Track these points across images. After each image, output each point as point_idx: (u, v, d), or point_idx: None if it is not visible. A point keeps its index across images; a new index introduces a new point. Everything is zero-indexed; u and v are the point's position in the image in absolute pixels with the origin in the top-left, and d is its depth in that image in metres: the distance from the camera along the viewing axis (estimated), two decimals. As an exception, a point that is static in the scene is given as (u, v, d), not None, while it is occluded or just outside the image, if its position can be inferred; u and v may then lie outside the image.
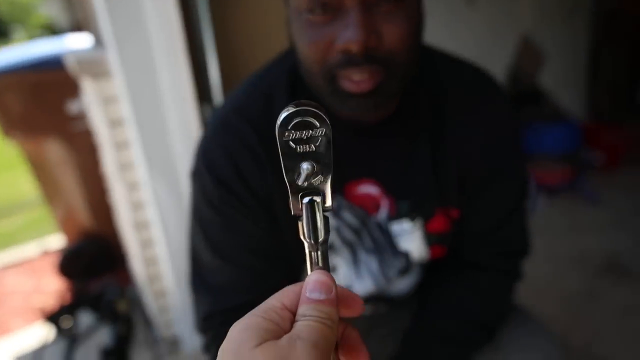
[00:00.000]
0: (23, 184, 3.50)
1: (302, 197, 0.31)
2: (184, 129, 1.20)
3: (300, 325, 0.27)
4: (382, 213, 0.67)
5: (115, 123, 1.27)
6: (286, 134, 0.29)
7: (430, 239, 0.69)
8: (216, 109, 0.92)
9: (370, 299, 0.79)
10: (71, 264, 1.73)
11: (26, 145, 1.69)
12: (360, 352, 0.33)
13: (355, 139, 0.65)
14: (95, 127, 1.41)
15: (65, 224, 1.84)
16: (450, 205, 0.68)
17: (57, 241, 2.42)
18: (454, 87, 0.66)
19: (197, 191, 0.65)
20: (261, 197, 0.62)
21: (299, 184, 0.30)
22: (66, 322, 1.48)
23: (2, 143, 1.98)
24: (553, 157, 2.38)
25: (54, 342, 1.51)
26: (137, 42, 1.09)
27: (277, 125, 0.29)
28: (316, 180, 0.31)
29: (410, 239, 0.68)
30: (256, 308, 0.29)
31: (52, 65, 1.50)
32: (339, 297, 0.31)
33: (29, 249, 2.53)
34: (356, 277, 0.71)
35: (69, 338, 1.47)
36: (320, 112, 0.29)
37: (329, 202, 0.31)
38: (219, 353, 0.27)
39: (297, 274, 0.67)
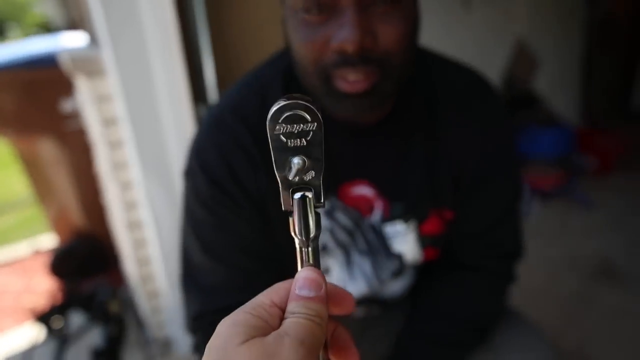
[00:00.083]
0: (15, 182, 3.47)
1: (294, 192, 0.31)
2: (178, 129, 1.19)
3: (288, 322, 0.27)
4: (376, 215, 0.67)
5: (109, 122, 1.27)
6: (277, 127, 0.29)
7: (424, 241, 0.69)
8: (211, 107, 0.92)
9: (363, 301, 0.79)
10: (63, 263, 1.71)
11: (19, 143, 1.68)
12: (350, 352, 0.33)
13: (350, 140, 0.64)
14: (89, 126, 1.40)
15: (58, 224, 1.83)
16: (444, 207, 0.68)
17: (49, 241, 2.40)
18: (448, 89, 0.66)
19: (189, 190, 0.64)
20: (254, 197, 0.62)
21: (290, 178, 0.30)
22: (57, 322, 1.47)
23: (-6, 141, 1.97)
24: (547, 162, 2.40)
25: (44, 342, 1.49)
26: (131, 41, 1.09)
27: (268, 118, 0.29)
28: (307, 176, 0.30)
29: (404, 240, 0.68)
30: (245, 304, 0.29)
31: (46, 63, 1.49)
32: (330, 294, 0.31)
33: (21, 249, 2.51)
34: (349, 279, 0.71)
35: (60, 338, 1.45)
36: (311, 106, 0.28)
37: (320, 198, 0.31)
38: (206, 349, 0.26)
39: (289, 276, 0.67)
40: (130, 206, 1.36)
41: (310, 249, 0.31)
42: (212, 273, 0.63)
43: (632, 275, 1.77)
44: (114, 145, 1.29)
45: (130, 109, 1.15)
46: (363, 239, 0.68)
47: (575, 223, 2.17)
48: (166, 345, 1.54)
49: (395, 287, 0.77)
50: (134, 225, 1.38)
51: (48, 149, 1.61)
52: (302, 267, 0.32)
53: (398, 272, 0.72)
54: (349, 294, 0.33)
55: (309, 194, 0.31)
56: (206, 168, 0.62)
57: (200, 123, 0.68)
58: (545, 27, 2.68)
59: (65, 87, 1.44)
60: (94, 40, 1.38)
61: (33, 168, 1.71)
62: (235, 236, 0.62)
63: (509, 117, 0.71)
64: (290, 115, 0.29)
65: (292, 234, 0.31)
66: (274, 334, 0.26)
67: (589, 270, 1.82)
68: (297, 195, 0.31)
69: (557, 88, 2.85)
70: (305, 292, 0.29)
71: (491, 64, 2.54)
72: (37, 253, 2.41)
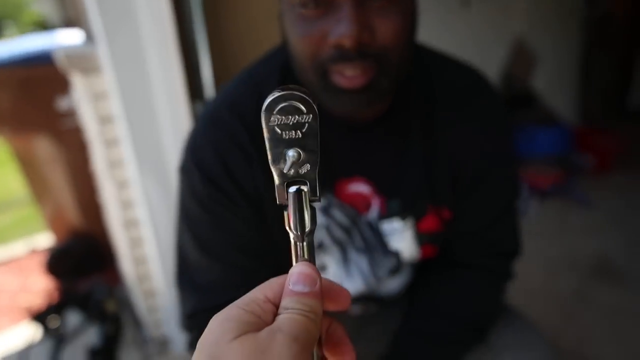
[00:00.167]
0: (11, 181, 3.45)
1: (289, 185, 0.30)
2: (175, 127, 1.18)
3: (282, 318, 0.26)
4: (373, 212, 0.66)
5: (105, 120, 1.26)
6: (272, 118, 0.28)
7: (421, 238, 0.69)
8: (207, 103, 0.91)
9: (360, 299, 0.78)
10: (59, 262, 1.71)
11: (15, 142, 1.67)
12: (345, 348, 0.32)
13: (347, 137, 0.64)
14: (85, 124, 1.39)
15: (54, 222, 1.82)
16: (442, 205, 0.67)
17: (45, 240, 2.39)
18: (447, 86, 0.65)
19: (185, 188, 0.64)
20: (250, 195, 0.61)
21: (285, 171, 0.29)
22: (53, 321, 1.46)
23: (-10, 140, 1.96)
24: (545, 160, 2.40)
25: (41, 342, 1.48)
26: (127, 37, 1.08)
27: (262, 110, 0.28)
28: (303, 169, 0.30)
29: (401, 238, 0.68)
30: (238, 300, 0.28)
31: (42, 61, 1.48)
32: (325, 290, 0.30)
33: (17, 248, 2.50)
34: (346, 277, 0.70)
35: (56, 338, 1.44)
36: (307, 97, 0.28)
37: (316, 192, 0.31)
38: (197, 345, 0.26)
39: (286, 273, 0.66)
40: (126, 205, 1.35)
41: (305, 243, 0.31)
42: (208, 271, 0.62)
43: (631, 274, 1.77)
44: (110, 143, 1.28)
45: (127, 107, 1.14)
46: (360, 236, 0.67)
47: (574, 222, 2.17)
48: (163, 344, 1.54)
49: (393, 284, 0.76)
50: (130, 224, 1.38)
51: (44, 147, 1.60)
52: (296, 262, 0.31)
53: (395, 270, 0.71)
54: (345, 290, 0.33)
55: (305, 188, 0.30)
56: (202, 165, 0.61)
57: (196, 119, 0.67)
58: (543, 26, 2.69)
59: (61, 85, 1.43)
60: (90, 38, 1.37)
61: (29, 166, 1.70)
62: (231, 234, 0.62)
63: (508, 115, 0.71)
64: (285, 106, 0.28)
65: (287, 228, 0.31)
66: (266, 329, 0.26)
67: (588, 269, 1.82)
68: (292, 188, 0.30)
69: (555, 87, 2.86)
70: (299, 288, 0.28)
71: (489, 63, 2.54)
72: (34, 252, 2.40)
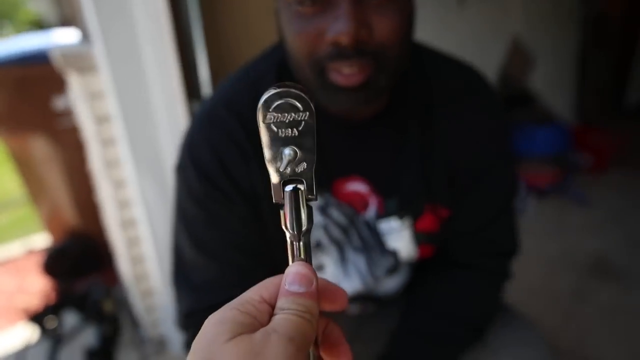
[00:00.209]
0: (7, 181, 3.44)
1: (285, 184, 0.30)
2: (172, 126, 1.18)
3: (277, 319, 0.26)
4: (371, 211, 0.66)
5: (101, 119, 1.25)
6: (267, 116, 0.28)
7: (419, 238, 0.68)
8: (203, 101, 0.91)
9: (358, 299, 0.78)
10: (56, 263, 1.70)
11: (11, 141, 1.66)
12: (341, 349, 0.32)
13: (344, 136, 0.64)
14: (81, 123, 1.38)
15: (51, 223, 1.81)
16: (439, 204, 0.67)
17: (42, 240, 2.38)
18: (444, 84, 0.65)
19: (181, 186, 0.63)
20: (247, 193, 0.61)
21: (281, 170, 0.29)
22: (50, 322, 1.46)
23: (-14, 140, 1.94)
24: (542, 159, 2.40)
25: (38, 342, 1.48)
26: (123, 36, 1.07)
27: (258, 107, 0.28)
28: (299, 167, 0.29)
29: (399, 237, 0.67)
30: (233, 300, 0.28)
31: (38, 60, 1.47)
32: (321, 290, 0.30)
33: (14, 248, 2.49)
34: (344, 276, 0.70)
35: (53, 339, 1.44)
36: (303, 95, 0.27)
37: (313, 191, 0.30)
38: (191, 348, 0.25)
39: (283, 272, 0.66)
40: (123, 204, 1.35)
41: (301, 243, 0.30)
42: (204, 270, 0.62)
43: (629, 272, 1.77)
44: (107, 142, 1.27)
45: (123, 106, 1.14)
46: (357, 236, 0.67)
47: (571, 220, 2.18)
48: (161, 344, 1.53)
49: (390, 284, 0.76)
50: (127, 224, 1.37)
51: (40, 147, 1.60)
52: (292, 261, 0.31)
53: (393, 269, 0.71)
54: (342, 290, 0.32)
55: (301, 187, 0.30)
56: (198, 164, 0.61)
57: (193, 117, 0.67)
58: (540, 25, 2.69)
59: (57, 84, 1.42)
60: (86, 37, 1.36)
61: (25, 166, 1.69)
62: (228, 232, 0.61)
63: (505, 113, 0.71)
64: (281, 103, 0.27)
65: (283, 227, 0.30)
66: (261, 330, 0.25)
67: (586, 267, 1.82)
68: (289, 187, 0.30)
69: (552, 86, 2.86)
70: (295, 288, 0.28)
71: (486, 62, 2.54)
72: (31, 252, 2.39)
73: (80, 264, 1.69)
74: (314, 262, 0.68)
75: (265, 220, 0.63)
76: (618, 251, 1.90)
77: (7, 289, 2.11)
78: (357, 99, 0.54)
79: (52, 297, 1.55)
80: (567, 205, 2.30)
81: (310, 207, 0.30)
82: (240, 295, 0.28)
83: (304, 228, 0.30)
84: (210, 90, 1.25)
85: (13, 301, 2.00)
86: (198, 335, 0.26)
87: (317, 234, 0.66)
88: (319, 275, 0.29)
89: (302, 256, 0.31)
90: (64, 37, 1.70)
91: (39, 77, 1.49)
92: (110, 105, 1.20)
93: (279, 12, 0.55)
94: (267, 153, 0.29)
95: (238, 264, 0.62)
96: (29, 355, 1.49)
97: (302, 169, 0.29)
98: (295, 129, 0.28)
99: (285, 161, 0.29)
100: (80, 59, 1.19)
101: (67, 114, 1.53)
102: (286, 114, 0.28)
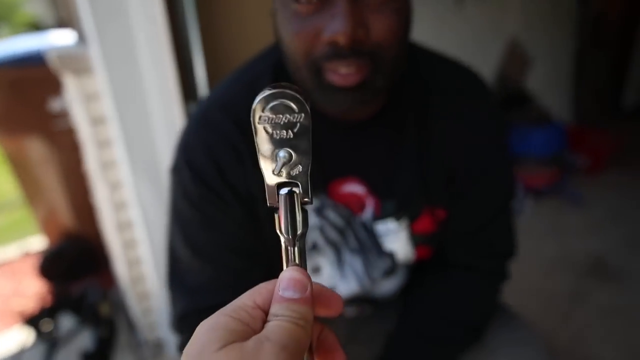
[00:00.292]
0: (3, 183, 3.42)
1: (280, 187, 0.29)
2: (168, 128, 1.17)
3: (270, 326, 0.25)
4: (367, 213, 0.66)
5: (97, 121, 1.24)
6: (262, 117, 0.27)
7: (416, 239, 0.68)
8: (199, 102, 0.90)
9: (355, 301, 0.78)
10: (52, 265, 1.69)
11: (6, 143, 1.65)
12: (336, 355, 0.31)
13: (341, 137, 0.63)
14: (77, 125, 1.38)
15: (47, 225, 1.80)
16: (436, 206, 0.67)
17: (38, 242, 2.36)
18: (440, 85, 0.65)
19: (176, 188, 0.63)
20: (243, 196, 0.60)
21: (275, 173, 0.28)
22: (46, 325, 1.45)
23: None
24: (539, 160, 2.41)
25: (34, 346, 1.47)
26: (119, 37, 1.07)
27: (252, 108, 0.27)
28: (294, 170, 0.28)
29: (396, 239, 0.67)
30: (226, 306, 0.27)
31: (34, 62, 1.46)
32: (317, 295, 0.29)
33: (9, 251, 2.47)
34: (340, 278, 0.69)
35: (49, 342, 1.43)
36: (299, 96, 0.27)
37: (308, 194, 0.29)
38: (183, 354, 0.25)
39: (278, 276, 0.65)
40: (119, 206, 1.34)
41: (296, 247, 0.30)
42: (199, 272, 0.61)
43: (626, 272, 1.78)
44: (103, 144, 1.27)
45: (119, 108, 1.13)
46: (354, 237, 0.67)
47: (568, 221, 2.18)
48: (158, 347, 1.52)
49: (387, 286, 0.76)
50: (123, 226, 1.36)
51: (36, 149, 1.59)
52: (287, 266, 0.30)
53: (390, 271, 0.71)
54: (337, 295, 0.32)
55: (297, 190, 0.29)
56: (194, 166, 0.60)
57: (189, 119, 0.66)
58: (537, 26, 2.69)
59: (53, 85, 1.41)
60: (82, 38, 1.36)
61: (21, 168, 1.68)
62: (223, 235, 0.61)
63: (502, 114, 0.71)
64: (276, 105, 0.27)
65: (277, 231, 0.30)
66: (254, 338, 0.25)
67: (582, 268, 1.82)
68: (284, 190, 0.29)
69: (549, 86, 2.86)
70: (289, 294, 0.27)
71: (483, 63, 2.54)
72: (26, 255, 2.37)
73: (76, 267, 1.68)
74: (310, 264, 0.67)
75: (260, 222, 0.62)
76: (615, 252, 1.90)
77: (3, 292, 2.09)
78: (353, 99, 0.53)
79: (48, 300, 1.54)
80: (564, 206, 2.30)
81: (306, 210, 0.30)
82: (233, 301, 0.28)
83: (298, 232, 0.29)
84: (207, 92, 1.24)
85: (8, 304, 1.98)
86: (189, 342, 0.25)
87: (313, 236, 0.65)
88: (316, 277, 0.28)
89: (297, 261, 0.30)
90: (60, 38, 1.69)
91: (35, 78, 1.49)
92: (106, 106, 1.19)
93: (275, 12, 0.54)
94: (261, 155, 0.28)
95: (233, 266, 0.61)
96: (25, 359, 1.48)
97: (298, 172, 0.29)
98: (290, 131, 0.27)
99: (279, 163, 0.28)
100: (76, 61, 1.19)
101: (63, 115, 1.52)
102: (281, 116, 0.27)
